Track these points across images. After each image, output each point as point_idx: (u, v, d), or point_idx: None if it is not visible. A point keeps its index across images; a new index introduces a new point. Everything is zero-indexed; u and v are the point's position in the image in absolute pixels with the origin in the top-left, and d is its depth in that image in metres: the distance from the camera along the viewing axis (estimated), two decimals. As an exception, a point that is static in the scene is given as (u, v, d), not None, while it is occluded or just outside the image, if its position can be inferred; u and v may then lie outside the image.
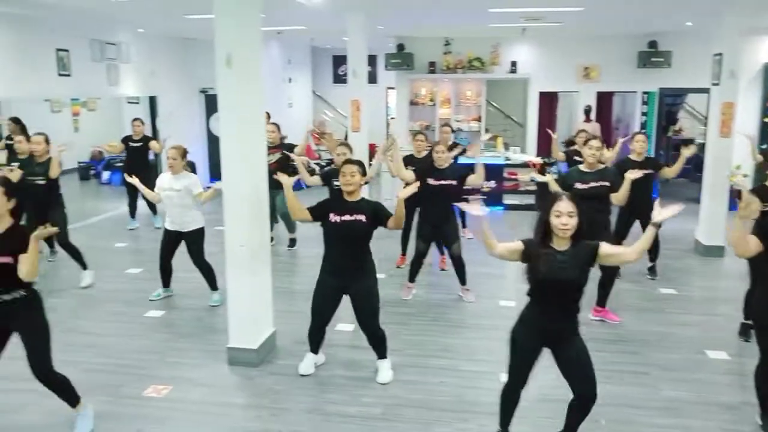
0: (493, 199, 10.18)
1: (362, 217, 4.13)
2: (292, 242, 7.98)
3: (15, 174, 5.81)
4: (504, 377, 4.41)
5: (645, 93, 11.03)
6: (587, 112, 11.01)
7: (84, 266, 6.46)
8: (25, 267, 3.35)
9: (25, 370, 3.86)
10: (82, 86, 9.26)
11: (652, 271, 6.78)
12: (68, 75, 8.91)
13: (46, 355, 3.61)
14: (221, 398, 4.20)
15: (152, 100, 11.01)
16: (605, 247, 3.24)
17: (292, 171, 6.65)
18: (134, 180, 5.80)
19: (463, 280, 6.08)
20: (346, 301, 4.38)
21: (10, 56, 7.88)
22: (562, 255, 3.19)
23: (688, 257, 7.69)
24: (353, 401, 4.15)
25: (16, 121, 7.40)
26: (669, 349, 4.97)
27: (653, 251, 6.64)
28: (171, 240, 5.80)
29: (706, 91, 8.74)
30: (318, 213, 4.21)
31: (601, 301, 5.52)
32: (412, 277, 6.11)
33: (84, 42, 9.25)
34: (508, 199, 10.23)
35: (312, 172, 11.67)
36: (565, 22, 9.02)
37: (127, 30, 10.15)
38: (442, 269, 7.01)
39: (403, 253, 7.21)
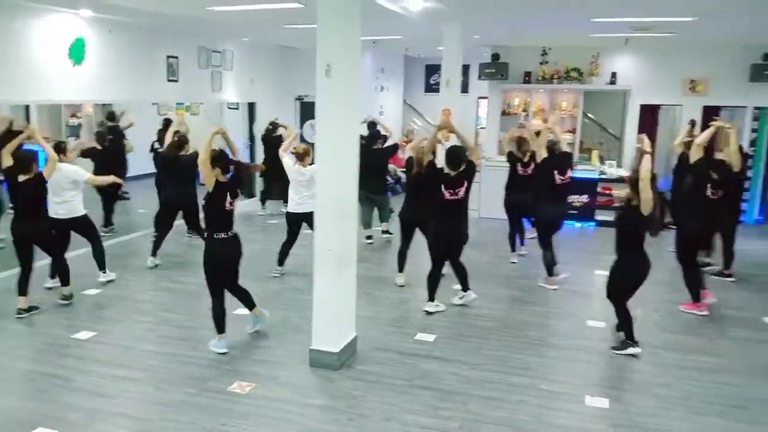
0: (584, 214, 9.84)
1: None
2: (387, 232, 8.51)
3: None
4: (588, 400, 4.27)
5: (757, 109, 10.29)
6: (692, 126, 10.39)
7: None
8: None
9: (118, 358, 4.11)
10: (188, 91, 9.79)
11: (722, 275, 7.09)
12: (176, 80, 9.45)
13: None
14: (301, 399, 4.29)
15: (251, 106, 11.48)
16: None
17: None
18: None
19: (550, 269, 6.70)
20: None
21: (125, 62, 8.46)
22: None
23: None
24: (431, 413, 4.11)
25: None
26: (774, 385, 4.60)
27: (727, 259, 7.07)
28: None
29: (828, 107, 8.07)
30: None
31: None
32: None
33: (192, 49, 9.79)
34: (601, 215, 9.84)
35: (398, 180, 11.79)
36: (677, 32, 8.58)
37: (232, 38, 10.65)
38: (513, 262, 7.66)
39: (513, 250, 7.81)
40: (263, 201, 10.50)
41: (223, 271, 4.98)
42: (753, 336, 5.54)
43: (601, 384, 4.66)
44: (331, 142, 4.51)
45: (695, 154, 6.13)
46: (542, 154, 6.58)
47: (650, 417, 4.11)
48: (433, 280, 5.91)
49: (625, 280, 5.04)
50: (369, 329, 5.37)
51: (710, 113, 10.71)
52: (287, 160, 6.72)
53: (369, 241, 8.41)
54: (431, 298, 5.92)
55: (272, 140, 9.99)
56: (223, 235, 4.88)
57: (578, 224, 9.89)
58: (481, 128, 14.03)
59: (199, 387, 4.41)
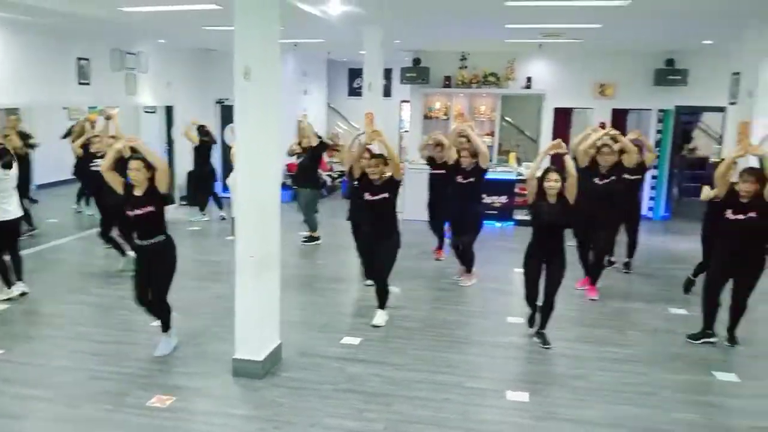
0: (503, 214, 10.15)
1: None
2: (311, 239, 8.71)
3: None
4: (510, 395, 4.41)
5: (660, 111, 10.95)
6: (602, 128, 10.91)
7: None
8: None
9: (28, 376, 3.89)
10: (100, 94, 9.38)
11: (627, 266, 7.56)
12: (87, 83, 9.04)
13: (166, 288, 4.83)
14: (225, 409, 4.20)
15: (169, 110, 11.14)
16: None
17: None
18: None
19: (469, 268, 6.94)
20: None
21: (32, 64, 8.02)
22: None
23: (699, 277, 7.57)
24: (356, 416, 4.12)
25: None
26: (679, 371, 4.90)
27: (631, 248, 7.49)
28: None
29: (721, 110, 8.68)
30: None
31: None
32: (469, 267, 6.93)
33: (104, 51, 9.40)
34: (519, 215, 10.18)
35: (324, 185, 11.79)
36: (584, 38, 9.00)
37: (148, 40, 10.30)
38: (437, 259, 7.94)
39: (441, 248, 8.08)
40: (201, 207, 10.28)
41: (140, 278, 4.86)
42: (660, 326, 5.88)
43: (522, 379, 4.82)
44: (251, 146, 4.44)
45: (583, 160, 6.47)
46: (452, 156, 6.79)
47: (567, 408, 4.29)
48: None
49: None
50: (294, 335, 5.33)
51: (619, 116, 11.34)
52: None
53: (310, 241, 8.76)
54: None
55: (204, 147, 9.79)
56: (138, 243, 4.79)
57: (498, 224, 10.19)
58: (405, 132, 14.21)
59: (117, 403, 4.23)
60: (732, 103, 7.69)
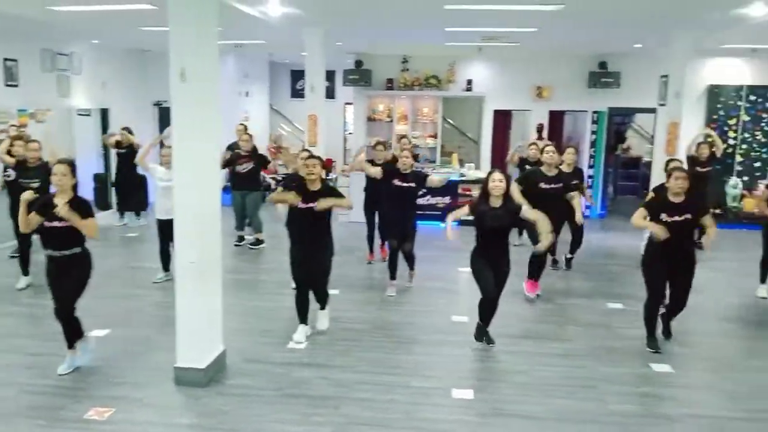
0: (447, 214, 10.25)
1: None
2: (258, 242, 8.56)
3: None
4: (455, 393, 4.48)
5: (595, 112, 11.33)
6: (539, 130, 11.24)
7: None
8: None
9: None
10: (30, 97, 8.99)
11: (568, 262, 7.69)
12: (15, 85, 8.66)
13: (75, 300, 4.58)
14: (167, 420, 4.09)
15: (104, 113, 10.77)
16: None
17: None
18: None
19: (411, 266, 6.88)
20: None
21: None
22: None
23: (634, 272, 7.85)
24: (302, 420, 4.09)
25: None
26: (616, 363, 5.08)
27: (573, 246, 7.57)
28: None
29: (653, 111, 9.06)
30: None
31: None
32: (393, 274, 6.70)
33: (34, 51, 9.02)
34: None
35: (267, 187, 11.64)
36: (520, 42, 9.23)
37: (81, 40, 9.93)
38: (369, 262, 7.88)
39: (371, 251, 7.98)
40: (121, 213, 9.99)
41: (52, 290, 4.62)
42: (597, 320, 6.09)
43: (467, 376, 4.89)
44: (189, 150, 4.35)
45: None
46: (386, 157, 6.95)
47: (510, 404, 4.38)
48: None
49: None
50: (239, 341, 5.24)
51: (556, 117, 11.68)
52: (153, 166, 6.66)
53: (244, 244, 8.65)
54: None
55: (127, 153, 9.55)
56: (52, 253, 4.56)
57: (442, 224, 10.29)
58: (349, 134, 14.21)
59: (51, 418, 4.06)
60: (661, 105, 8.04)
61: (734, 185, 10.83)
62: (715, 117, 10.95)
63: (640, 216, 5.20)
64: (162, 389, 4.47)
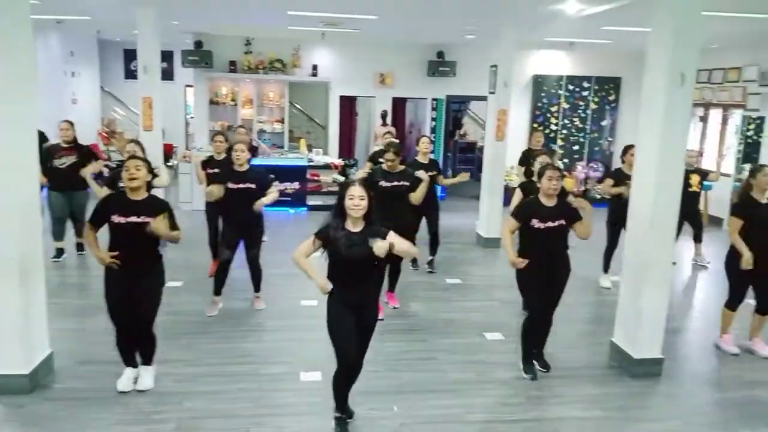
0: (296, 200, 10.26)
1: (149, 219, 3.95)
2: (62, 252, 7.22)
3: None
4: (303, 376, 4.52)
5: (434, 100, 11.89)
6: (384, 116, 11.57)
7: None
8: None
9: None
10: None
11: (431, 264, 7.27)
12: None
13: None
14: (-15, 433, 3.71)
15: None
16: (392, 235, 3.56)
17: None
18: None
19: (257, 287, 5.92)
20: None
21: None
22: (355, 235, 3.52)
23: (470, 249, 8.47)
24: (144, 419, 3.91)
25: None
26: (454, 335, 5.43)
27: (433, 247, 7.16)
28: None
29: (485, 98, 9.68)
30: (99, 219, 4.02)
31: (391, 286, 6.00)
32: (218, 289, 5.74)
33: None
34: (312, 200, 10.38)
35: (100, 175, 10.82)
36: (362, 29, 9.38)
37: None
38: (212, 276, 6.21)
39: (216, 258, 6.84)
40: None
41: None
42: (437, 295, 6.46)
43: (314, 359, 4.92)
44: (2, 137, 3.92)
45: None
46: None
47: (358, 381, 4.48)
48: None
49: None
50: (70, 342, 4.87)
51: (399, 104, 12.08)
52: None
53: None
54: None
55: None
56: None
57: (292, 210, 10.28)
58: (191, 117, 13.61)
59: None
60: (491, 93, 8.61)
61: (557, 167, 11.93)
62: (539, 105, 11.97)
63: (508, 232, 4.54)
64: (-22, 401, 4.04)
